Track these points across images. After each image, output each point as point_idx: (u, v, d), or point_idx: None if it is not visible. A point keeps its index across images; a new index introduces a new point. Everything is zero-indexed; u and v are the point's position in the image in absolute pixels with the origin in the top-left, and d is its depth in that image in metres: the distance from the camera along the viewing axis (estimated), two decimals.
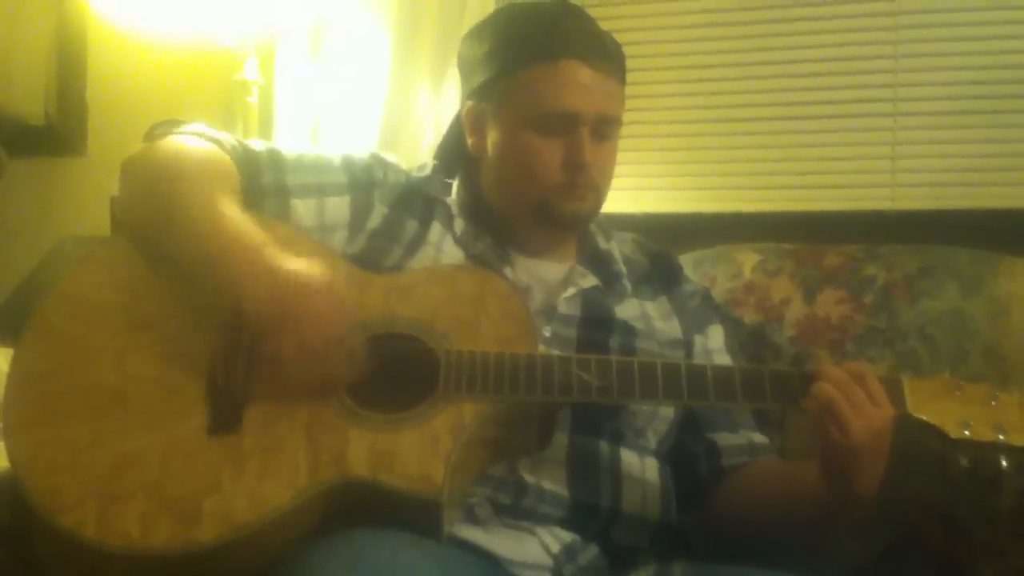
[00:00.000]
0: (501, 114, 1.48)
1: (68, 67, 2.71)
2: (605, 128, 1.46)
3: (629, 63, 1.52)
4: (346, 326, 1.26)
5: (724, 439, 1.50)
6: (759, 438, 1.52)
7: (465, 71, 1.54)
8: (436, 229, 1.49)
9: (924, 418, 1.27)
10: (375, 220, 1.47)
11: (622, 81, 1.49)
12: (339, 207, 1.46)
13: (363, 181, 1.49)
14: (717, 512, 1.47)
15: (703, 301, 1.61)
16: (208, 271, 1.28)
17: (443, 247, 1.48)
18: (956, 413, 1.27)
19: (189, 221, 1.31)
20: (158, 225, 1.35)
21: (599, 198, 1.49)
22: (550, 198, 1.45)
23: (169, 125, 1.46)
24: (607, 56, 1.46)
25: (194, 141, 1.42)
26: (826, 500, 1.29)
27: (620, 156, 1.52)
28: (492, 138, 1.49)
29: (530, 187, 1.46)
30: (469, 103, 1.52)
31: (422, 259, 1.46)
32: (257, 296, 1.24)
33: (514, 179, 1.48)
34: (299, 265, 1.26)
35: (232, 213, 1.31)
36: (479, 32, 1.53)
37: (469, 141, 1.53)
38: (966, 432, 1.26)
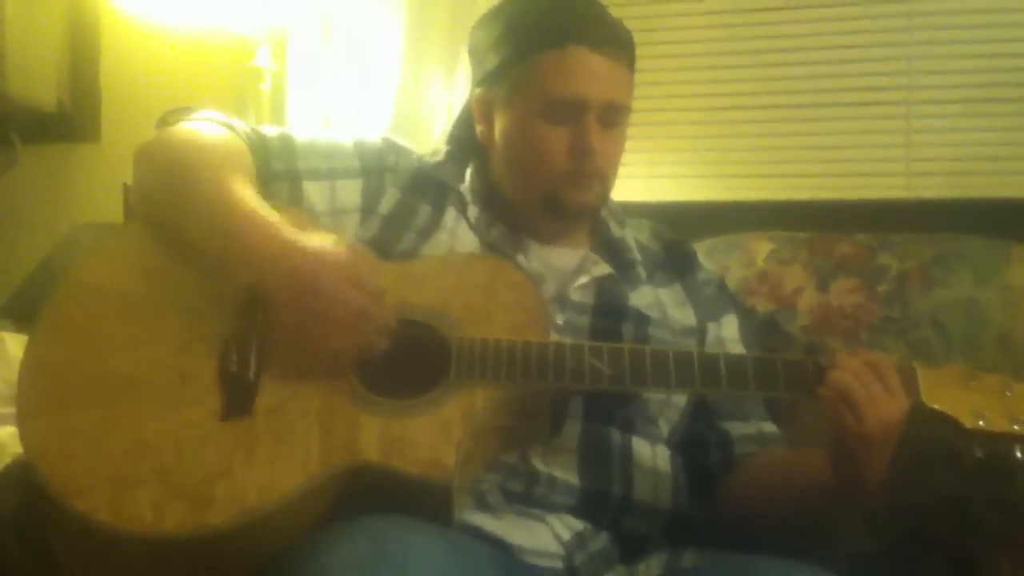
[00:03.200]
0: (509, 101, 1.47)
1: (81, 55, 2.72)
2: (612, 115, 1.45)
3: (642, 51, 1.51)
4: (366, 300, 1.26)
5: (735, 428, 1.50)
6: (770, 428, 1.52)
7: (476, 58, 1.54)
8: (451, 215, 1.49)
9: (938, 408, 1.26)
10: (387, 204, 1.47)
11: (631, 68, 1.48)
12: (351, 191, 1.46)
13: (375, 165, 1.49)
14: (728, 500, 1.46)
15: (718, 289, 1.61)
16: (223, 249, 1.28)
17: (458, 233, 1.48)
18: (970, 403, 1.25)
19: (204, 203, 1.31)
20: (173, 209, 1.35)
21: (605, 186, 1.49)
22: (557, 187, 1.45)
23: (182, 112, 1.46)
24: (616, 42, 1.45)
25: (208, 127, 1.43)
26: (833, 489, 1.29)
27: (632, 144, 1.52)
28: (500, 125, 1.49)
29: (537, 175, 1.45)
30: (478, 90, 1.52)
31: (436, 245, 1.46)
32: (278, 271, 1.24)
33: (521, 167, 1.47)
34: (317, 240, 1.27)
35: (247, 193, 1.31)
36: (490, 18, 1.52)
37: (477, 128, 1.53)
38: (980, 423, 1.24)
